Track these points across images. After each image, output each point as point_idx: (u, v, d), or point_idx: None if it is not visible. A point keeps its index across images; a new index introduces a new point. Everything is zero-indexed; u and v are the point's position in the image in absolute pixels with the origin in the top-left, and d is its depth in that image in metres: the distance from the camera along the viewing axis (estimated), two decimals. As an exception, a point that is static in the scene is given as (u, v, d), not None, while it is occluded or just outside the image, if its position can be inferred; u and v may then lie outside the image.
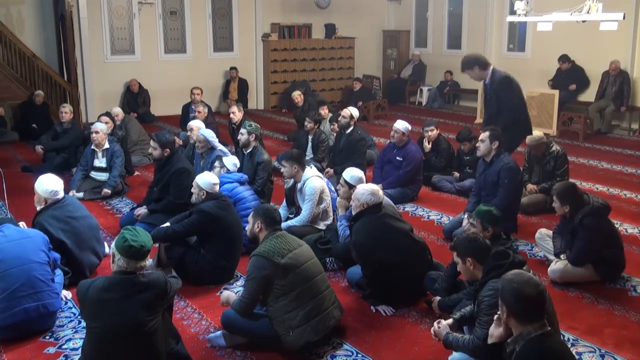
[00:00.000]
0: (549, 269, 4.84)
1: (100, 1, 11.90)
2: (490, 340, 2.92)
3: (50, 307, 4.06)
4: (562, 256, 4.85)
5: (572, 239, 4.79)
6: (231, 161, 6.12)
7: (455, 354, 3.46)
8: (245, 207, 5.37)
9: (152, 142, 5.97)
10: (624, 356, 3.80)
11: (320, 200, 5.49)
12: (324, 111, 8.82)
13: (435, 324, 3.55)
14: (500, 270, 3.25)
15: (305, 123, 7.83)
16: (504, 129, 5.84)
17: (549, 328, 2.73)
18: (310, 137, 7.78)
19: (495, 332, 2.91)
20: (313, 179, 5.49)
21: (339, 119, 7.59)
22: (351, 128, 7.52)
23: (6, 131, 10.14)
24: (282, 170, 5.58)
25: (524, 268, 3.33)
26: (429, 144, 7.55)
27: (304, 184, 5.49)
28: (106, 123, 7.55)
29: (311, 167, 5.65)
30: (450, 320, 3.60)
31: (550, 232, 5.22)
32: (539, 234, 5.25)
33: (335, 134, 8.11)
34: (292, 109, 11.33)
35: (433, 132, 7.55)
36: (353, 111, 7.69)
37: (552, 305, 3.35)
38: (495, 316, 2.95)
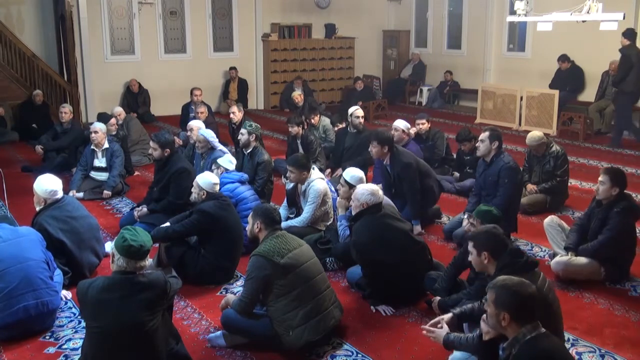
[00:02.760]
0: (553, 260, 4.83)
1: (100, 1, 11.90)
2: (486, 337, 2.92)
3: (50, 304, 4.07)
4: (569, 253, 4.83)
5: (600, 228, 4.73)
6: (227, 159, 6.08)
7: (456, 353, 3.46)
8: (246, 207, 5.35)
9: (151, 143, 5.96)
10: (624, 356, 3.80)
11: (323, 202, 5.49)
12: (315, 119, 8.82)
13: (430, 325, 3.49)
14: (513, 267, 3.23)
15: (289, 129, 7.79)
16: (413, 205, 5.84)
17: (544, 330, 2.73)
18: (299, 141, 7.78)
19: (492, 330, 2.89)
20: (317, 182, 5.48)
21: (359, 121, 7.63)
22: (361, 127, 7.68)
23: (6, 131, 10.14)
24: (288, 175, 5.57)
25: (535, 270, 3.32)
26: (422, 136, 7.58)
27: (308, 186, 5.48)
28: (111, 125, 7.57)
29: (314, 169, 5.65)
30: (449, 315, 3.58)
31: (562, 222, 5.19)
32: (551, 220, 5.17)
33: (336, 134, 8.12)
34: (292, 108, 11.30)
35: (424, 125, 7.58)
36: (361, 111, 7.84)
37: (559, 308, 3.34)
38: (484, 316, 2.93)
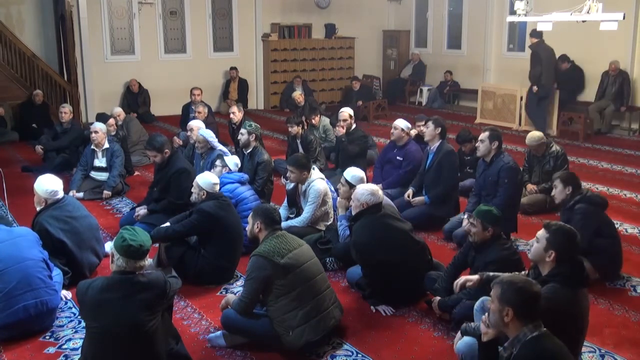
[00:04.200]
0: None
1: (100, 1, 11.90)
2: (484, 338, 2.92)
3: (49, 303, 4.07)
4: None
5: None
6: (233, 161, 6.14)
7: (465, 338, 3.42)
8: (247, 207, 5.36)
9: (149, 152, 5.96)
10: (624, 356, 3.80)
11: (323, 202, 5.49)
12: (315, 119, 8.82)
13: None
14: (568, 277, 3.19)
15: (289, 129, 7.80)
16: (434, 201, 6.00)
17: (545, 329, 2.74)
18: (299, 141, 7.78)
19: (490, 331, 2.89)
20: (318, 182, 5.48)
21: (341, 124, 7.67)
22: (353, 127, 7.65)
23: (6, 131, 10.15)
24: (288, 175, 5.57)
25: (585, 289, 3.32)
26: (422, 137, 7.57)
27: (308, 186, 5.48)
28: (110, 126, 7.56)
29: (314, 169, 5.65)
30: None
31: None
32: None
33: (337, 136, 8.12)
34: (292, 108, 11.31)
35: (422, 127, 7.54)
36: (349, 111, 7.81)
37: (587, 320, 3.35)
38: (484, 318, 2.93)
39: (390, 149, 6.94)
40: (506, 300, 2.75)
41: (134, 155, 8.39)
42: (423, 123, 7.53)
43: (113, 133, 7.65)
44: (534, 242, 3.45)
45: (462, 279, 3.76)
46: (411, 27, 14.97)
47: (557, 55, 11.28)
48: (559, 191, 4.94)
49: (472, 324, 3.43)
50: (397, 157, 6.79)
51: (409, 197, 6.22)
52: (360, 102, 11.96)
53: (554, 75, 10.44)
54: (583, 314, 3.25)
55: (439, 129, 6.12)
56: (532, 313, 2.75)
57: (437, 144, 6.14)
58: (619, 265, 4.89)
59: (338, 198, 5.16)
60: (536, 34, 10.20)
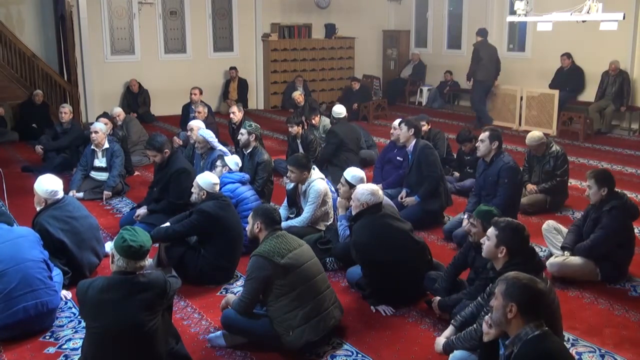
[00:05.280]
0: (548, 261, 4.83)
1: (100, 1, 11.90)
2: (486, 338, 2.92)
3: (49, 304, 4.07)
4: (565, 252, 4.85)
5: (593, 228, 4.77)
6: (233, 160, 6.14)
7: (456, 353, 3.45)
8: (247, 207, 5.35)
9: (149, 152, 5.95)
10: (624, 356, 3.80)
11: (323, 202, 5.49)
12: (315, 119, 8.85)
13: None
14: (524, 267, 3.23)
15: (289, 129, 7.81)
16: (424, 198, 6.01)
17: (546, 328, 2.74)
18: (299, 141, 7.78)
19: (492, 331, 2.90)
20: (318, 182, 5.48)
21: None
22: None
23: (6, 131, 10.14)
24: (288, 175, 5.57)
25: (540, 272, 3.35)
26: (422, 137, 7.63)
27: (309, 186, 5.48)
28: (105, 124, 7.56)
29: (314, 169, 5.65)
30: (449, 329, 3.63)
31: (558, 225, 5.23)
32: (547, 225, 5.24)
33: None
34: (294, 108, 11.30)
35: (424, 127, 7.55)
36: (334, 108, 8.29)
37: (559, 308, 3.35)
38: (486, 318, 2.93)
39: (390, 149, 6.95)
40: (510, 296, 2.74)
41: (134, 156, 8.39)
42: (423, 123, 7.55)
43: (109, 132, 7.63)
44: (485, 241, 3.60)
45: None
46: (411, 27, 14.96)
47: (557, 55, 11.32)
48: (593, 192, 4.75)
49: (453, 337, 3.45)
50: (397, 157, 6.79)
51: (402, 198, 6.23)
52: (355, 106, 11.90)
53: (494, 72, 11.07)
54: (548, 297, 3.23)
55: (412, 130, 6.17)
56: (536, 310, 2.74)
57: (412, 143, 6.19)
58: (622, 277, 4.86)
59: (338, 198, 5.16)
60: (482, 32, 10.88)
